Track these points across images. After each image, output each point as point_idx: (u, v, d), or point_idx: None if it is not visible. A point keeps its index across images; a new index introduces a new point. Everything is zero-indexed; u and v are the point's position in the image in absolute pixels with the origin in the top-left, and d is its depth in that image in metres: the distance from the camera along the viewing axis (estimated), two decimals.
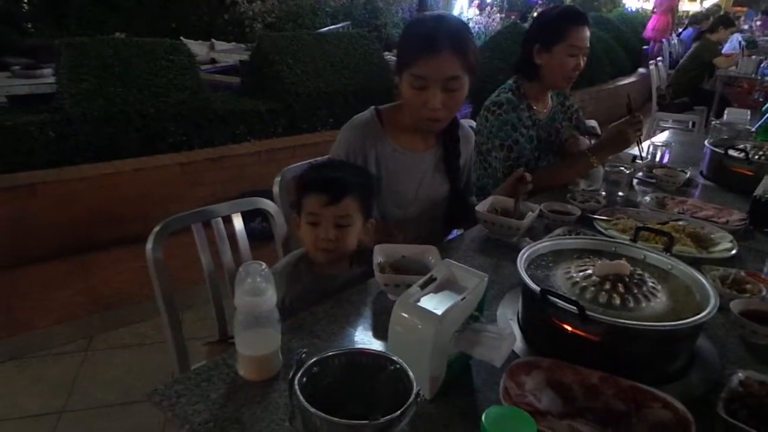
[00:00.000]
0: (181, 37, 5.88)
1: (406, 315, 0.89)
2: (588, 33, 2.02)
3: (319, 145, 4.53)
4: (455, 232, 2.32)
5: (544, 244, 1.26)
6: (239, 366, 0.90)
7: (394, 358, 0.77)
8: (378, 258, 1.28)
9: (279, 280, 1.32)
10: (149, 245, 1.45)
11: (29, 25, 6.94)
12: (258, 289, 0.88)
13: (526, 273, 1.10)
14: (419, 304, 0.91)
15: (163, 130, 4.06)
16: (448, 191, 1.73)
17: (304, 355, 0.77)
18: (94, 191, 3.53)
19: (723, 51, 6.45)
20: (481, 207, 1.63)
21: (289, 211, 1.70)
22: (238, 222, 1.66)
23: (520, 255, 1.17)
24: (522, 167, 1.89)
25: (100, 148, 3.81)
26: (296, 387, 0.72)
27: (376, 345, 1.06)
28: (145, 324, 2.78)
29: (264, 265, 0.90)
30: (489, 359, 0.88)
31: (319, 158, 1.53)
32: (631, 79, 7.93)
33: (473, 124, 2.19)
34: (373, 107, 1.68)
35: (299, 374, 0.74)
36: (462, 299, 0.92)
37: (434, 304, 0.92)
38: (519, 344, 1.09)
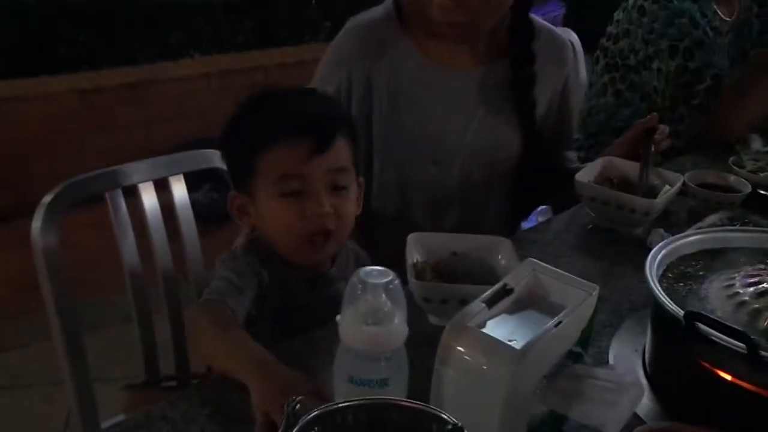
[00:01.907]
0: None
1: (462, 349, 0.89)
2: None
3: (307, 65, 4.50)
4: (534, 217, 2.34)
5: (690, 240, 1.26)
6: None
7: (444, 416, 0.78)
8: (413, 255, 1.29)
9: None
10: (37, 224, 1.48)
11: None
12: (381, 314, 0.89)
13: (661, 286, 1.10)
14: (484, 331, 0.92)
15: (51, 37, 4.10)
16: (519, 139, 1.74)
17: (297, 407, 0.78)
18: None
19: None
20: (586, 175, 1.64)
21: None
22: (179, 190, 1.69)
23: (650, 257, 1.17)
24: (704, 86, 1.90)
25: None
26: None
27: (411, 395, 1.08)
28: (20, 353, 2.84)
29: (393, 275, 0.90)
30: (597, 423, 0.89)
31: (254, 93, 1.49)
32: None
33: (573, 36, 2.20)
34: (390, 1, 1.70)
35: None
36: (555, 325, 0.93)
37: (509, 331, 0.93)
38: (645, 401, 1.10)
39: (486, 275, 1.26)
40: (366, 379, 0.90)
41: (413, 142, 1.66)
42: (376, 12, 1.69)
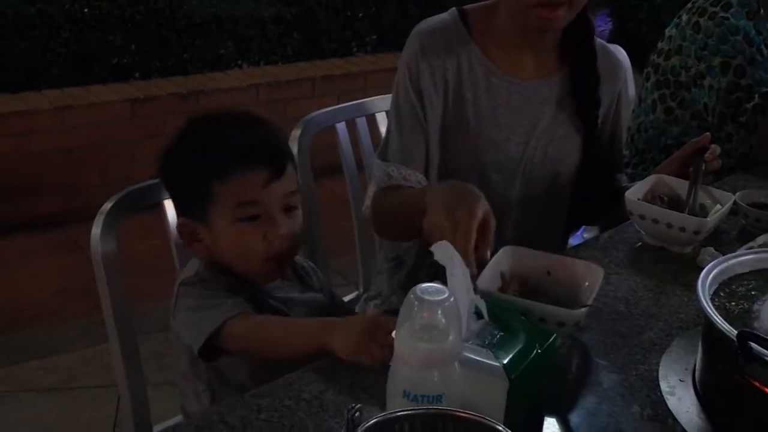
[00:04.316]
0: None
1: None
2: None
3: (355, 78, 4.58)
4: (580, 234, 2.33)
5: (742, 259, 1.26)
6: None
7: (500, 428, 0.80)
8: (502, 264, 1.31)
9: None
10: (96, 231, 1.52)
11: None
12: (437, 331, 0.90)
13: (713, 305, 1.11)
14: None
15: (103, 46, 4.19)
16: (579, 151, 1.76)
17: (357, 414, 0.81)
18: None
19: None
20: (635, 192, 1.64)
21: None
22: None
23: (701, 277, 1.18)
24: (752, 104, 1.89)
25: (8, 73, 3.96)
26: None
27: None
28: (69, 356, 2.91)
29: (448, 292, 0.91)
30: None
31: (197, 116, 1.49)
32: None
33: (623, 53, 2.21)
34: (454, 8, 1.71)
35: None
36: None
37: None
38: (695, 420, 1.11)
39: (568, 298, 1.29)
40: (420, 394, 0.91)
41: (477, 148, 1.67)
42: (441, 18, 1.70)
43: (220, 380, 1.40)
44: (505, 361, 0.98)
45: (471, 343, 1.01)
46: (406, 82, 1.65)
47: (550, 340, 1.08)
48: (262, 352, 1.32)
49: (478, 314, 1.06)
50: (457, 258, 1.04)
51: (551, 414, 1.11)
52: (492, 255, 1.33)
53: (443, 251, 1.05)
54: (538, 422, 1.09)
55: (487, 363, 0.98)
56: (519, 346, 1.03)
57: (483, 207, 1.27)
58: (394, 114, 1.70)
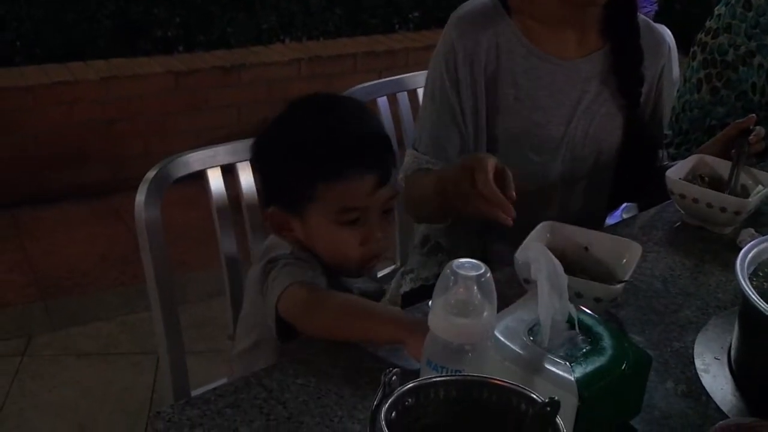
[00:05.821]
0: None
1: None
2: None
3: (396, 54, 4.58)
4: (619, 213, 2.33)
5: None
6: None
7: (534, 395, 0.81)
8: (540, 239, 1.31)
9: None
10: (141, 198, 1.54)
11: None
12: (471, 306, 0.91)
13: (751, 284, 1.11)
14: None
15: (148, 19, 4.23)
16: (621, 128, 1.75)
17: (393, 378, 0.82)
18: (40, 110, 3.76)
19: None
20: (677, 171, 1.64)
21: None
22: None
23: (740, 256, 1.18)
24: None
25: (55, 43, 4.02)
26: (382, 424, 0.78)
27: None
28: (111, 323, 2.97)
29: (485, 268, 0.91)
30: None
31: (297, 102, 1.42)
32: None
33: (668, 33, 2.19)
34: None
35: (386, 406, 0.80)
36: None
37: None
38: (729, 397, 1.12)
39: (603, 274, 1.29)
40: (453, 369, 0.92)
41: (518, 130, 1.67)
42: (479, 1, 1.69)
43: None
44: (580, 377, 0.95)
45: (552, 354, 0.98)
46: (443, 74, 1.65)
47: (642, 361, 1.03)
48: (316, 330, 1.23)
49: (571, 323, 1.02)
50: (547, 259, 1.02)
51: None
52: (531, 230, 1.35)
53: (534, 251, 1.05)
54: None
55: (560, 375, 0.95)
56: (601, 363, 0.98)
57: (491, 158, 1.30)
58: (429, 104, 1.69)
